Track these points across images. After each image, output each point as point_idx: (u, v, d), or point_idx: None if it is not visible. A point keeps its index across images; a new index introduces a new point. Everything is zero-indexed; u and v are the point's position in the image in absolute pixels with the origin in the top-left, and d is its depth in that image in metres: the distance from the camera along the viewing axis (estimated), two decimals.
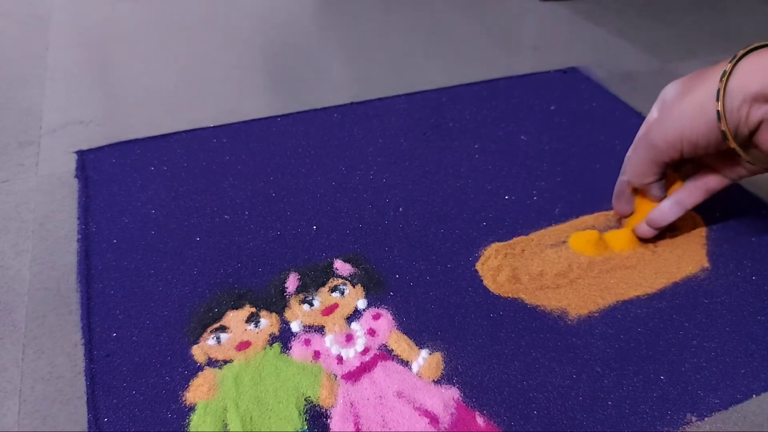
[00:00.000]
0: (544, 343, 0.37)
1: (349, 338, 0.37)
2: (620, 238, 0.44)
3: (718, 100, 0.35)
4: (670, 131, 0.38)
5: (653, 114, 0.40)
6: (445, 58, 0.72)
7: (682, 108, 0.37)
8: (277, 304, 0.39)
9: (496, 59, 0.72)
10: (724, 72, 0.35)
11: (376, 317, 0.38)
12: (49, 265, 0.42)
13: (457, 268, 0.42)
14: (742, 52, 0.36)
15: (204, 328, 0.37)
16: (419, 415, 0.33)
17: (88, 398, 0.33)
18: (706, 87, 0.36)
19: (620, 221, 0.46)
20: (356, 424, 0.32)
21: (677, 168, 0.43)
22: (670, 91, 0.39)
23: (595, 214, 0.47)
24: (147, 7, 0.86)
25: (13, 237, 0.45)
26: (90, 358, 0.35)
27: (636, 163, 0.41)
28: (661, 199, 0.43)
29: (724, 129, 0.35)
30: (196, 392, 0.33)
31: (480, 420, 0.32)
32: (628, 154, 0.43)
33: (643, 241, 0.44)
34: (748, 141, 0.37)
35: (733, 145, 0.36)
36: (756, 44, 0.36)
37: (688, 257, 0.43)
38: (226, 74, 0.68)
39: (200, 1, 0.88)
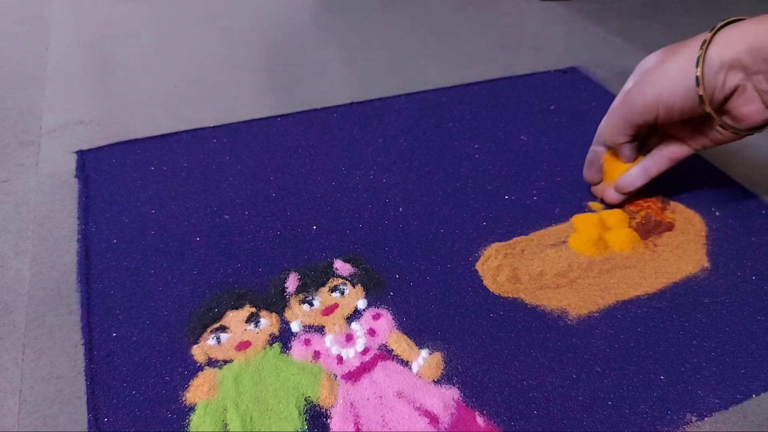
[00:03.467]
0: (544, 343, 0.37)
1: (349, 338, 0.37)
2: (620, 238, 0.44)
3: (697, 66, 0.37)
4: (648, 93, 0.40)
5: (628, 85, 0.43)
6: (445, 58, 0.72)
7: (661, 72, 0.39)
8: (277, 304, 0.39)
9: (496, 59, 0.72)
10: (704, 41, 0.37)
11: (376, 317, 0.38)
12: (49, 265, 0.42)
13: (457, 268, 0.42)
14: (721, 23, 0.38)
15: (204, 328, 0.37)
16: (419, 415, 0.33)
17: (88, 398, 0.33)
18: (687, 54, 0.38)
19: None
20: (356, 424, 0.32)
21: (645, 138, 0.45)
22: (648, 60, 0.42)
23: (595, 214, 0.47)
24: (147, 7, 0.86)
25: (13, 237, 0.45)
26: (90, 358, 0.35)
27: (611, 122, 0.43)
28: (631, 160, 0.45)
29: (701, 93, 0.37)
30: (196, 392, 0.33)
31: (480, 420, 0.32)
32: (602, 122, 0.45)
33: (643, 239, 0.44)
34: (721, 107, 0.39)
35: (708, 108, 0.38)
36: (734, 18, 0.38)
37: (688, 257, 0.43)
38: (226, 74, 0.68)
39: (200, 1, 0.88)
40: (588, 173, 0.48)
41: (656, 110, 0.40)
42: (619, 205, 0.47)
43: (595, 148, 0.46)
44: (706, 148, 0.43)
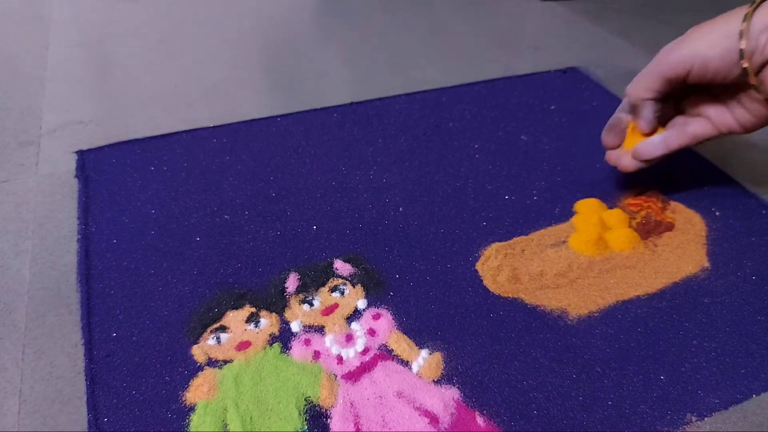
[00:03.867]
0: (544, 343, 0.37)
1: (349, 338, 0.37)
2: (620, 238, 0.44)
3: (744, 21, 0.37)
4: (684, 47, 0.39)
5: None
6: (445, 58, 0.72)
7: (702, 30, 0.39)
8: (277, 304, 0.39)
9: (496, 59, 0.72)
10: (746, 15, 0.37)
11: (376, 317, 0.38)
12: (49, 265, 0.42)
13: (457, 268, 0.42)
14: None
15: (204, 328, 0.37)
16: (419, 415, 0.33)
17: (88, 398, 0.33)
18: (732, 17, 0.38)
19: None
20: (356, 424, 0.32)
21: (676, 101, 0.44)
22: (689, 31, 0.41)
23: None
24: (147, 7, 0.86)
25: (13, 237, 0.45)
26: (90, 358, 0.35)
27: (641, 76, 0.42)
28: (651, 121, 0.44)
29: (743, 47, 0.37)
30: (196, 392, 0.33)
31: (480, 420, 0.32)
32: (632, 81, 0.44)
33: (643, 238, 0.44)
34: (760, 71, 0.38)
35: (746, 64, 0.37)
36: None
37: (688, 257, 0.43)
38: (226, 74, 0.68)
39: (200, 1, 0.88)
40: (607, 137, 0.46)
41: (690, 65, 0.39)
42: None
43: (619, 115, 0.45)
44: (731, 131, 0.42)
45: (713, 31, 0.38)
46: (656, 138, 0.44)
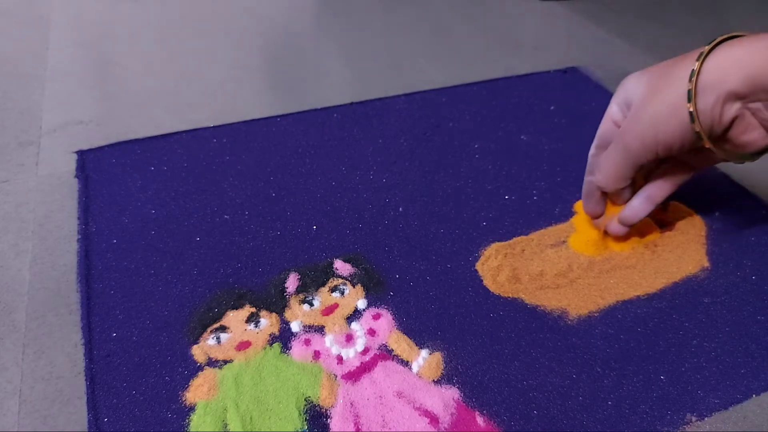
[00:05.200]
0: (544, 343, 0.37)
1: (349, 338, 0.37)
2: (620, 238, 0.44)
3: (689, 101, 0.34)
4: (645, 135, 0.37)
5: (613, 110, 0.40)
6: (445, 58, 0.72)
7: (653, 110, 0.36)
8: (277, 304, 0.39)
9: (496, 59, 0.72)
10: (693, 71, 0.34)
11: (376, 317, 0.38)
12: (49, 265, 0.42)
13: (457, 268, 0.42)
14: (708, 47, 0.35)
15: (204, 328, 0.37)
16: (419, 415, 0.33)
17: (88, 398, 0.33)
18: (676, 87, 0.35)
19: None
20: (356, 424, 0.32)
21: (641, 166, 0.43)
22: (632, 88, 0.39)
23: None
24: (147, 7, 0.86)
25: (13, 237, 0.45)
26: (90, 358, 0.35)
27: (611, 169, 0.40)
28: (628, 200, 0.43)
29: (698, 130, 0.35)
30: (196, 392, 0.33)
31: (480, 420, 0.32)
32: (592, 152, 0.43)
33: (642, 236, 0.44)
34: (722, 136, 0.36)
35: (708, 144, 0.35)
36: (719, 38, 0.35)
37: (688, 257, 0.43)
38: (226, 74, 0.68)
39: (200, 1, 0.88)
40: (588, 206, 0.44)
41: (656, 149, 0.37)
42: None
43: (590, 179, 0.43)
44: (711, 165, 0.41)
45: (666, 109, 0.36)
46: (637, 200, 0.42)
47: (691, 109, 0.34)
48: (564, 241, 0.44)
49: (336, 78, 0.67)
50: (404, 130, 0.57)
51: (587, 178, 0.43)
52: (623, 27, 0.80)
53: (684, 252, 0.44)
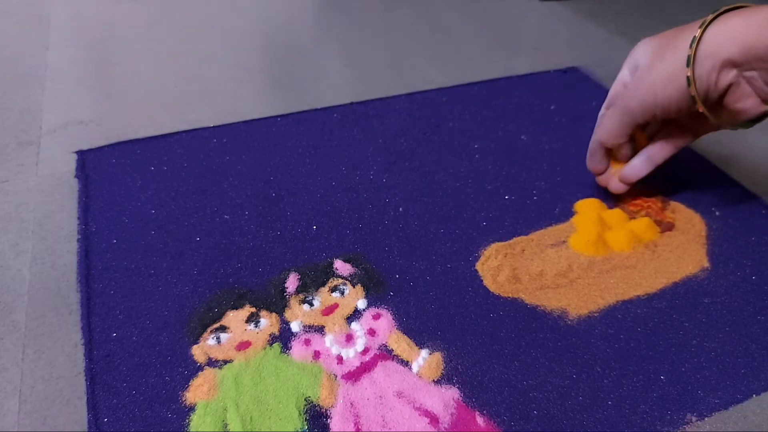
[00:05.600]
0: (544, 343, 0.37)
1: (349, 338, 0.37)
2: (620, 238, 0.44)
3: (688, 65, 0.37)
4: (644, 97, 0.40)
5: (624, 74, 0.43)
6: (445, 58, 0.72)
7: (654, 74, 0.39)
8: (277, 304, 0.39)
9: (496, 59, 0.72)
10: (694, 38, 0.37)
11: (376, 317, 0.38)
12: (49, 265, 0.42)
13: (457, 268, 0.42)
14: (711, 17, 0.37)
15: (204, 328, 0.37)
16: (419, 415, 0.33)
17: (88, 398, 0.33)
18: (678, 53, 0.38)
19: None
20: (356, 424, 0.32)
21: (645, 127, 0.45)
22: (641, 53, 0.42)
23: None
24: (147, 7, 0.86)
25: (13, 237, 0.45)
26: (90, 358, 0.35)
27: (610, 125, 0.43)
28: (629, 157, 0.46)
29: (693, 94, 0.37)
30: (196, 392, 0.33)
31: (480, 420, 0.32)
32: (601, 112, 0.45)
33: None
34: (718, 103, 0.39)
35: (702, 109, 0.38)
36: (723, 8, 0.37)
37: (688, 257, 0.43)
38: (226, 74, 0.68)
39: (200, 1, 0.88)
40: (591, 163, 0.47)
41: (654, 111, 0.40)
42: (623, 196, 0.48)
43: (597, 138, 0.46)
44: (709, 132, 0.43)
45: (666, 72, 0.38)
46: (638, 159, 0.45)
47: (689, 74, 0.37)
48: (564, 241, 0.44)
49: (336, 78, 0.67)
50: (404, 130, 0.57)
51: (593, 138, 0.46)
52: (623, 27, 0.80)
53: (684, 252, 0.44)
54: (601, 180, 0.47)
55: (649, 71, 0.40)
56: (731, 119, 0.40)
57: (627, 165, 0.45)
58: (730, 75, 0.37)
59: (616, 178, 0.46)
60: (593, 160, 0.47)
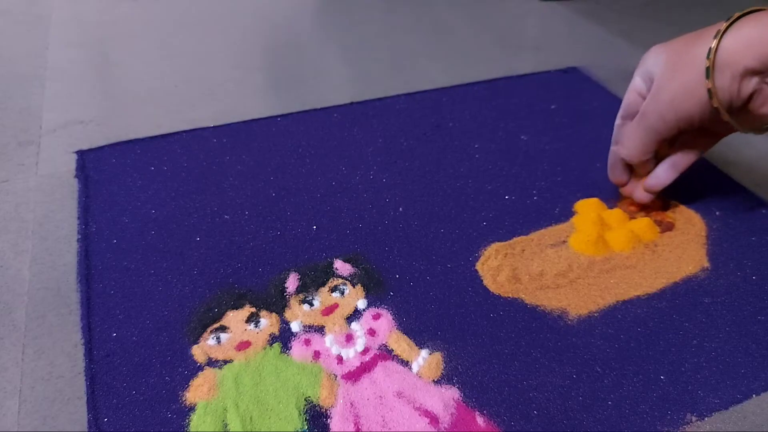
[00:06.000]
0: (544, 343, 0.37)
1: (349, 338, 0.37)
2: (620, 238, 0.44)
3: (708, 78, 0.36)
4: (666, 113, 0.39)
5: (637, 82, 0.42)
6: (446, 58, 0.72)
7: (672, 87, 0.38)
8: (277, 304, 0.39)
9: (497, 59, 0.72)
10: (710, 49, 0.36)
11: (376, 317, 0.38)
12: (49, 265, 0.42)
13: (457, 268, 0.42)
14: (725, 25, 0.37)
15: (204, 328, 0.37)
16: (419, 415, 0.33)
17: (88, 398, 0.33)
18: (695, 65, 0.37)
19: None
20: (356, 424, 0.32)
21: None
22: (653, 62, 0.41)
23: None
24: (147, 7, 0.86)
25: (13, 237, 0.45)
26: (90, 358, 0.35)
27: (634, 143, 0.43)
28: (652, 168, 0.45)
29: (717, 106, 0.37)
30: (196, 392, 0.33)
31: (480, 420, 0.32)
32: (617, 122, 0.44)
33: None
34: (742, 109, 0.38)
35: (726, 118, 0.37)
36: (737, 15, 0.37)
37: (688, 257, 0.43)
38: (226, 74, 0.68)
39: (200, 1, 0.88)
40: (613, 176, 0.47)
41: (677, 125, 0.39)
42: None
43: (615, 148, 0.45)
44: (732, 133, 0.42)
45: (685, 87, 0.37)
46: (662, 167, 0.44)
47: (709, 86, 0.36)
48: (564, 241, 0.44)
49: (336, 78, 0.67)
50: (404, 130, 0.57)
51: (612, 148, 0.45)
52: (623, 27, 0.80)
53: (684, 252, 0.44)
54: (625, 190, 0.47)
55: (666, 84, 0.39)
56: (757, 124, 0.39)
57: (651, 175, 0.45)
58: (752, 82, 0.36)
59: (640, 187, 0.45)
60: (615, 173, 0.46)
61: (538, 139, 0.56)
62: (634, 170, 0.46)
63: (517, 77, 0.67)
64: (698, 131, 0.42)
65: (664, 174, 0.44)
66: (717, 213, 0.47)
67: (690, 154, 0.43)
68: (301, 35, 0.79)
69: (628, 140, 0.43)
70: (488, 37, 0.78)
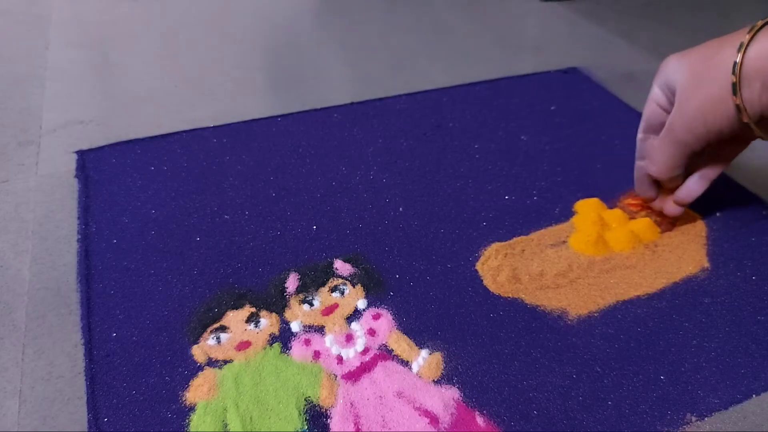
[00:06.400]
0: (544, 343, 0.37)
1: (349, 338, 0.37)
2: (620, 238, 0.44)
3: (735, 94, 0.35)
4: (695, 127, 0.38)
5: (656, 93, 0.41)
6: (446, 58, 0.72)
7: (698, 101, 0.38)
8: (277, 304, 0.39)
9: (497, 59, 0.72)
10: (735, 63, 0.35)
11: (376, 317, 0.38)
12: (49, 265, 0.42)
13: (457, 268, 0.42)
14: (748, 37, 0.36)
15: (204, 328, 0.37)
16: (419, 415, 0.33)
17: (88, 398, 0.33)
18: (720, 79, 0.36)
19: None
20: (356, 424, 0.32)
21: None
22: (673, 73, 0.39)
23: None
24: (147, 7, 0.86)
25: (13, 237, 0.45)
26: (90, 358, 0.35)
27: (664, 160, 0.42)
28: (681, 182, 0.44)
29: (747, 121, 0.36)
30: (196, 392, 0.33)
31: (480, 420, 0.32)
32: (639, 136, 0.44)
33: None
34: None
35: (758, 133, 0.37)
36: (759, 24, 0.36)
37: (688, 257, 0.43)
38: (226, 74, 0.68)
39: (200, 1, 0.88)
40: (641, 191, 0.46)
41: (707, 138, 0.39)
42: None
43: (641, 163, 0.45)
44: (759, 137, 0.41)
45: (712, 102, 0.37)
46: (693, 178, 0.43)
47: (738, 102, 0.36)
48: (564, 241, 0.44)
49: (336, 78, 0.67)
50: (404, 130, 0.57)
51: (638, 163, 0.45)
52: (623, 27, 0.80)
53: (684, 252, 0.44)
54: (655, 204, 0.46)
55: (692, 95, 0.38)
56: None
57: (682, 187, 0.44)
58: None
59: (670, 201, 0.45)
60: (642, 188, 0.46)
61: (538, 140, 0.56)
62: (660, 184, 0.45)
63: (517, 77, 0.67)
64: (727, 139, 0.41)
65: (695, 186, 0.43)
66: (717, 213, 0.47)
67: (719, 163, 0.42)
68: (301, 35, 0.79)
69: (656, 156, 0.42)
70: (488, 37, 0.78)
